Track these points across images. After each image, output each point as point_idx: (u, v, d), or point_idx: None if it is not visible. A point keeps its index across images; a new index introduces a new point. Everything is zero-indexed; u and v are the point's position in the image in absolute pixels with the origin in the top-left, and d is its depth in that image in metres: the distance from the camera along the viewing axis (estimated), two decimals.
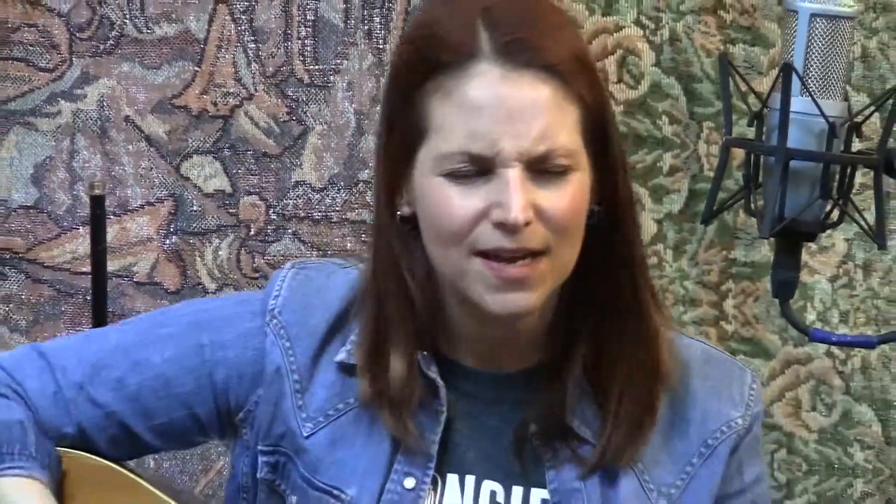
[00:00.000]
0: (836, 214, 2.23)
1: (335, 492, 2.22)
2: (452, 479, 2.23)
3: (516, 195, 2.08)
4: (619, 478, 2.23)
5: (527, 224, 2.10)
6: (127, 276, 3.18)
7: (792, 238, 2.23)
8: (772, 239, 2.25)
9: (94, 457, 2.28)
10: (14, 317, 3.21)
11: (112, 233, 3.08)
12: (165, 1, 3.17)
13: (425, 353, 2.23)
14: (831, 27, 2.17)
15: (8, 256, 3.21)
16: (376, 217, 2.24)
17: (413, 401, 2.23)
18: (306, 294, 2.26)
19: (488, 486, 2.24)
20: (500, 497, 2.24)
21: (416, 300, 2.20)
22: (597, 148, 2.16)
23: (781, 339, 3.07)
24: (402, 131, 2.15)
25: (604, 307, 2.22)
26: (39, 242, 3.20)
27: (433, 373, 2.21)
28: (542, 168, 2.10)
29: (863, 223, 2.26)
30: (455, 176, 2.11)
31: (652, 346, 2.24)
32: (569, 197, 2.12)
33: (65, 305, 3.20)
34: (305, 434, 2.23)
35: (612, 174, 2.19)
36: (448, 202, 2.11)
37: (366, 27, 3.10)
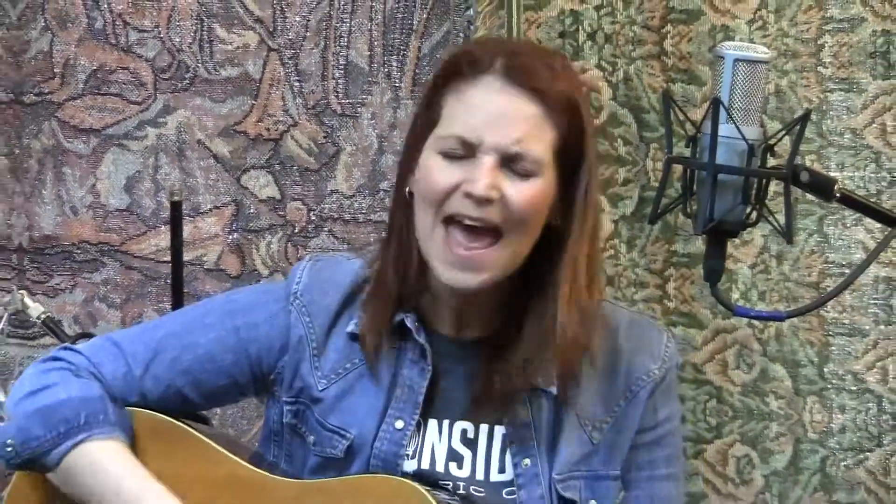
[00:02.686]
0: (754, 216, 2.21)
1: (342, 432, 2.31)
2: (433, 423, 2.32)
3: (485, 176, 2.16)
4: (562, 414, 2.31)
5: (489, 201, 2.18)
6: (198, 264, 3.22)
7: (719, 234, 2.22)
8: (703, 235, 2.22)
9: (154, 413, 2.36)
10: (111, 296, 3.27)
11: (187, 230, 3.12)
12: (229, 49, 3.20)
13: (417, 322, 2.29)
14: (750, 69, 2.19)
15: (106, 249, 3.25)
16: (394, 194, 2.30)
17: (381, 337, 2.30)
18: (321, 280, 2.35)
19: (460, 425, 2.32)
20: (471, 434, 2.32)
21: (412, 265, 2.27)
22: (567, 171, 2.23)
23: (712, 313, 3.08)
24: (421, 122, 2.24)
25: (547, 291, 2.27)
26: (130, 238, 3.25)
27: (423, 339, 2.28)
28: (512, 166, 2.18)
29: (775, 223, 2.23)
30: (446, 154, 2.20)
31: (579, 323, 2.26)
32: (529, 194, 2.19)
33: (150, 287, 3.25)
34: (320, 388, 2.32)
35: (573, 195, 2.24)
36: (435, 172, 2.21)
37: (385, 70, 3.13)
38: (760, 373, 3.09)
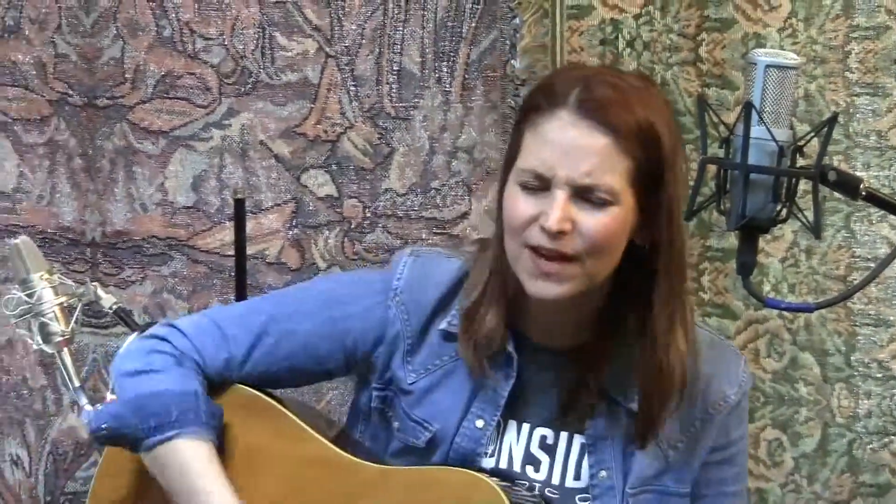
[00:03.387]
0: (784, 213, 2.22)
1: (425, 424, 2.33)
2: (513, 424, 2.33)
3: (557, 210, 2.16)
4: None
5: (562, 233, 2.17)
6: (260, 258, 3.22)
7: (751, 231, 2.23)
8: (736, 231, 2.24)
9: (250, 389, 2.38)
10: (178, 287, 3.27)
11: (250, 226, 3.12)
12: (289, 56, 3.18)
13: (509, 329, 2.27)
14: (781, 75, 2.20)
15: (174, 243, 3.26)
16: (497, 213, 2.28)
17: (493, 348, 2.29)
18: (421, 278, 2.35)
19: (540, 431, 2.33)
20: (550, 440, 2.33)
21: (511, 281, 2.26)
22: (647, 195, 2.19)
23: (745, 304, 3.07)
24: (508, 152, 2.24)
25: (639, 313, 2.25)
26: (197, 233, 3.25)
27: (510, 347, 2.27)
28: (586, 196, 2.16)
29: (804, 220, 2.24)
30: (525, 186, 2.20)
31: (670, 355, 2.24)
32: (604, 223, 2.18)
33: (215, 279, 3.25)
34: (409, 382, 2.33)
35: (657, 219, 2.21)
36: (516, 204, 2.21)
37: (437, 75, 3.13)
38: (790, 361, 3.08)
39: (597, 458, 2.30)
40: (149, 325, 2.57)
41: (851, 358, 3.07)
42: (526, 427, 2.33)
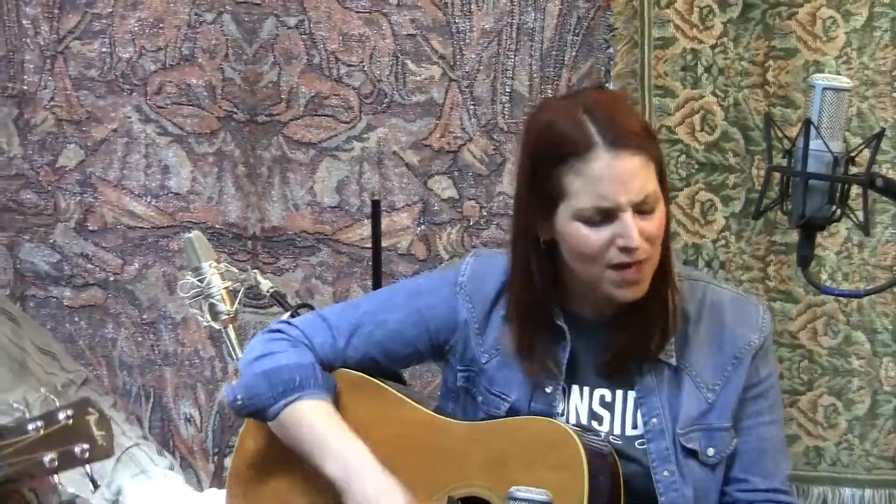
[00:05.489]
0: (838, 214, 2.25)
1: (503, 396, 2.38)
2: (575, 388, 2.37)
3: (634, 230, 2.20)
4: (681, 380, 2.34)
5: (638, 247, 2.21)
6: (393, 250, 3.30)
7: (810, 228, 2.27)
8: (797, 229, 2.27)
9: (354, 371, 2.42)
10: (325, 274, 3.34)
11: (384, 223, 3.16)
12: (418, 80, 3.27)
13: (555, 308, 2.31)
14: (836, 96, 2.22)
15: (321, 237, 3.34)
16: (515, 236, 2.30)
17: (540, 340, 2.33)
18: (481, 273, 2.40)
19: (599, 391, 2.37)
20: (608, 398, 2.37)
21: (537, 284, 2.30)
22: (663, 184, 2.25)
23: (805, 291, 3.11)
24: (540, 193, 2.23)
25: (656, 277, 2.30)
26: (340, 229, 3.33)
27: (561, 321, 2.31)
28: (641, 208, 2.21)
29: (855, 219, 2.26)
30: (587, 221, 2.22)
31: (674, 299, 2.32)
32: (658, 221, 2.24)
33: (355, 268, 3.33)
34: (483, 361, 2.39)
35: (666, 194, 2.27)
36: (587, 237, 2.23)
37: (542, 96, 3.19)
38: (844, 338, 3.12)
39: (648, 408, 2.33)
40: (300, 306, 2.66)
41: None
42: (586, 389, 2.37)
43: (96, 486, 2.37)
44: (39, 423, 2.38)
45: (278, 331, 2.41)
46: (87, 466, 2.36)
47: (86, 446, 2.36)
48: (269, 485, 2.42)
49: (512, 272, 2.31)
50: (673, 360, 2.33)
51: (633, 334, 2.31)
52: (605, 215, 2.22)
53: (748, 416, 2.37)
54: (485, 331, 2.38)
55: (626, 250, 2.22)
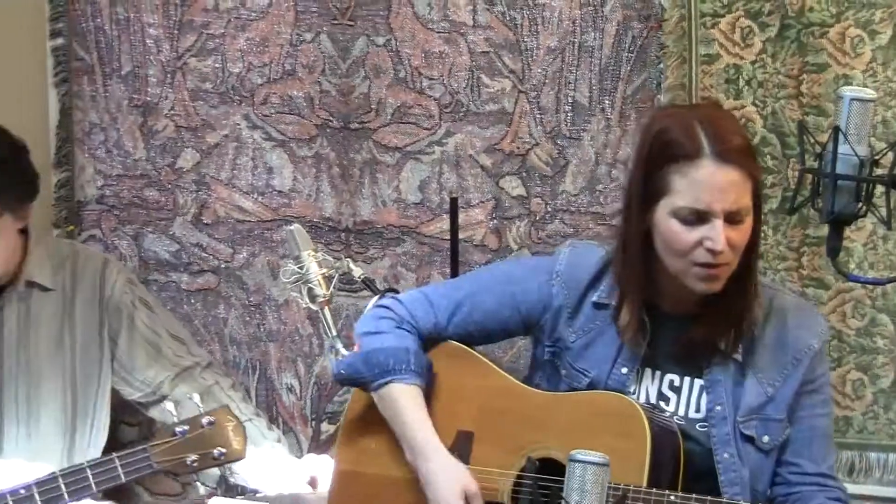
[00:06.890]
0: (864, 210, 2.30)
1: (584, 372, 2.46)
2: (648, 371, 2.45)
3: (721, 235, 2.26)
4: (745, 373, 2.40)
5: (722, 251, 2.26)
6: (469, 241, 3.35)
7: (839, 223, 2.32)
8: (827, 223, 2.33)
9: (453, 342, 2.54)
10: (409, 263, 3.41)
11: (461, 218, 3.23)
12: (491, 91, 3.32)
13: (643, 304, 2.36)
14: (862, 106, 2.27)
15: (406, 230, 3.41)
16: (626, 224, 2.34)
17: (633, 322, 2.36)
18: (577, 263, 2.46)
19: (669, 376, 2.44)
20: (677, 383, 2.45)
21: (641, 271, 2.37)
22: (756, 201, 2.31)
23: (834, 278, 3.13)
24: (650, 187, 2.29)
25: (738, 283, 2.35)
26: (422, 223, 3.40)
27: (644, 315, 2.39)
28: (733, 218, 2.27)
29: (879, 215, 2.32)
30: (683, 220, 2.28)
31: (752, 305, 2.34)
32: (744, 233, 2.29)
33: (435, 257, 3.39)
34: (571, 340, 2.46)
35: (759, 212, 2.32)
36: (679, 234, 2.28)
37: (601, 106, 3.24)
38: (870, 320, 3.14)
39: (713, 396, 2.39)
40: (387, 290, 2.73)
41: None
42: (658, 374, 2.44)
43: (227, 487, 2.46)
44: (186, 427, 2.49)
45: (388, 307, 2.49)
46: (225, 467, 2.46)
47: (223, 450, 2.46)
48: (373, 446, 2.51)
49: (622, 257, 2.36)
50: (739, 357, 2.38)
51: (710, 329, 2.35)
52: (699, 217, 2.26)
53: (802, 408, 2.42)
54: (576, 314, 2.45)
55: (711, 252, 2.27)
